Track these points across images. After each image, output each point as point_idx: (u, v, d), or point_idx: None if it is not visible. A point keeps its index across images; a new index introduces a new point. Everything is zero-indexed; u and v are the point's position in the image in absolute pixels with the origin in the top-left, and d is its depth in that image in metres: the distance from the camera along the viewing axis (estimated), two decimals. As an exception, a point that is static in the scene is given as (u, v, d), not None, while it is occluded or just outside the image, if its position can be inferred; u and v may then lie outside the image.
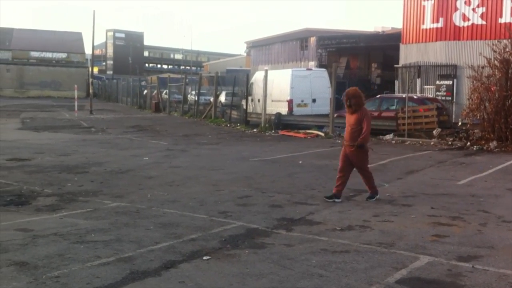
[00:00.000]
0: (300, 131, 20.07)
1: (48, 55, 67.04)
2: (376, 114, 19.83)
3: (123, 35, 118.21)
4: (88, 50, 71.48)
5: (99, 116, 30.98)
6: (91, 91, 36.82)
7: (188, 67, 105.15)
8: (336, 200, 8.30)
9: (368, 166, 8.68)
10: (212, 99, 29.41)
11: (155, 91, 39.38)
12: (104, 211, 7.59)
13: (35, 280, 4.76)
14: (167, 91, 36.46)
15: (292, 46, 46.02)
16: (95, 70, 75.43)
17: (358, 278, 4.94)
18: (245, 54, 77.13)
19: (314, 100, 22.48)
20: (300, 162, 12.83)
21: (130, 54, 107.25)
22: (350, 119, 8.41)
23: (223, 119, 26.07)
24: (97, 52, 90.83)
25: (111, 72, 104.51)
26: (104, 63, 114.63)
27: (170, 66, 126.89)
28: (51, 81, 63.30)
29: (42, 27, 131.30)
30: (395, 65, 26.82)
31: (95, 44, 40.27)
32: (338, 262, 5.37)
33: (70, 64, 67.03)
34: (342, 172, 8.45)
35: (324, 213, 7.63)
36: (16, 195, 8.62)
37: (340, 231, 6.61)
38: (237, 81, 26.32)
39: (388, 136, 18.11)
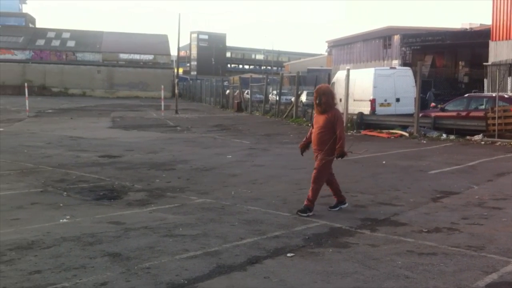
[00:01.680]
0: (383, 131, 19.70)
1: (136, 57, 69.74)
2: (464, 113, 19.14)
3: (206, 37, 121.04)
4: (173, 52, 73.73)
5: (184, 115, 31.87)
6: (176, 91, 37.91)
7: (269, 67, 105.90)
8: (342, 206, 7.71)
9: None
10: (293, 98, 29.47)
11: (237, 91, 40.00)
12: (191, 206, 7.83)
13: (127, 271, 5.00)
14: (249, 91, 36.91)
15: (374, 45, 45.23)
16: (180, 71, 77.60)
17: (446, 281, 4.82)
18: (326, 53, 76.64)
19: (398, 100, 21.97)
20: (384, 162, 12.61)
21: (213, 55, 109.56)
22: (318, 120, 7.50)
23: (304, 119, 26.06)
24: (182, 53, 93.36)
25: (195, 73, 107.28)
26: (188, 64, 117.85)
27: (251, 67, 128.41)
28: (138, 82, 65.80)
29: (130, 30, 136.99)
30: (484, 63, 25.72)
31: (179, 45, 41.43)
32: (425, 264, 5.26)
33: (156, 65, 69.38)
34: (327, 181, 7.68)
35: (410, 214, 7.47)
36: (108, 190, 9.07)
37: (426, 233, 6.46)
38: (318, 80, 26.21)
39: (477, 137, 17.40)
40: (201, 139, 18.46)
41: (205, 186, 9.55)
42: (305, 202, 7.36)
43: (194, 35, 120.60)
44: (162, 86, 39.65)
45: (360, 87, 22.20)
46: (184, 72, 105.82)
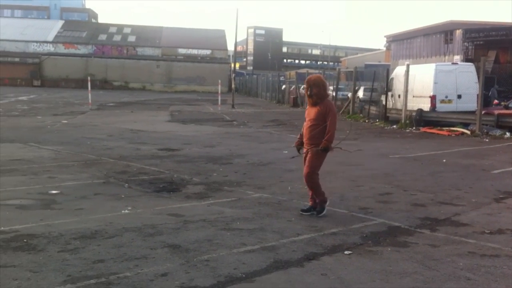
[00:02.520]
0: (444, 128, 19.20)
1: (194, 52, 70.71)
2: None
3: (263, 32, 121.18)
4: (230, 47, 74.35)
5: (240, 110, 32.10)
6: (233, 86, 38.26)
7: (326, 62, 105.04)
8: (315, 213, 7.07)
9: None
10: (350, 94, 29.14)
11: (293, 86, 39.90)
12: (248, 201, 7.90)
13: (186, 262, 5.10)
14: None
15: (435, 40, 44.08)
16: (237, 66, 78.16)
17: (510, 284, 4.67)
18: (384, 48, 75.28)
19: (459, 96, 21.35)
20: (444, 160, 12.30)
21: (269, 50, 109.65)
22: (310, 112, 7.05)
23: (361, 115, 25.74)
24: (239, 48, 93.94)
25: (251, 68, 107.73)
26: (244, 59, 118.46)
27: (307, 62, 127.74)
28: (196, 77, 66.72)
29: (188, 25, 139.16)
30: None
31: (236, 40, 41.77)
32: (487, 266, 5.11)
33: (213, 60, 70.12)
34: None
35: (472, 214, 7.27)
36: (168, 182, 9.26)
37: (489, 235, 6.27)
38: (376, 76, 25.80)
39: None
40: (257, 133, 18.55)
41: (262, 180, 9.60)
42: (316, 200, 7.04)
43: (251, 30, 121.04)
44: (219, 81, 40.06)
45: (420, 83, 21.70)
46: (241, 67, 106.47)
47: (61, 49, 66.94)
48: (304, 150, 7.12)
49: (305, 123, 7.14)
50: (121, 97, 44.63)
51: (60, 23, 75.14)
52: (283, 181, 9.56)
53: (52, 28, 71.71)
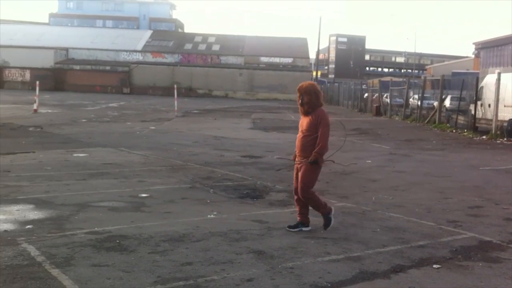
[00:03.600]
0: (538, 139, 18.19)
1: (276, 60, 71.19)
2: None
3: (345, 39, 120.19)
4: (312, 55, 74.30)
5: (322, 118, 31.86)
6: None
7: (410, 70, 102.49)
8: (304, 228, 6.58)
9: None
10: (436, 103, 28.27)
11: (376, 95, 39.23)
12: (331, 210, 7.84)
13: (271, 269, 5.14)
14: (388, 94, 36.05)
15: (529, 47, 41.91)
16: (318, 74, 77.88)
17: None
18: (472, 56, 72.45)
19: (555, 106, 20.15)
20: (539, 174, 11.66)
21: (351, 58, 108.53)
22: (303, 122, 6.59)
23: (448, 124, 24.89)
24: (320, 56, 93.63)
25: (333, 76, 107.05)
26: (326, 67, 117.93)
27: (391, 70, 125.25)
28: (277, 85, 67.12)
29: (270, 34, 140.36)
30: None
31: (319, 48, 41.71)
32: None
33: (295, 68, 70.29)
34: (296, 193, 6.72)
35: None
36: (251, 189, 9.38)
37: None
38: (465, 84, 24.88)
39: None
40: (339, 142, 18.34)
41: (345, 190, 9.51)
42: (323, 218, 6.62)
43: (333, 38, 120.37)
44: (301, 89, 39.99)
45: (512, 92, 20.69)
46: (322, 75, 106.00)
47: (149, 58, 69.56)
48: (296, 163, 6.64)
49: (298, 134, 6.68)
50: (205, 104, 45.69)
51: (149, 33, 78.14)
52: (366, 191, 9.42)
53: (141, 37, 74.70)
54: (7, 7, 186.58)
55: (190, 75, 66.70)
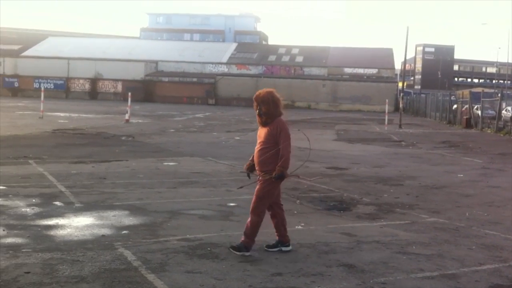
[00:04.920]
0: None
1: (360, 71, 70.38)
2: None
3: (432, 49, 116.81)
4: (397, 66, 72.76)
5: (408, 130, 31.14)
6: (401, 105, 37.22)
7: (503, 81, 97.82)
8: (284, 248, 6.07)
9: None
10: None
11: (466, 106, 37.73)
12: (422, 225, 7.61)
13: (363, 283, 5.05)
14: (479, 106, 34.56)
15: None
16: (404, 84, 76.09)
17: None
18: None
19: None
20: None
21: (439, 68, 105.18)
22: (261, 133, 6.03)
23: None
24: (406, 67, 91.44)
25: (419, 87, 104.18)
26: (412, 78, 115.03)
27: (481, 80, 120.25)
28: (361, 96, 66.25)
29: (355, 44, 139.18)
30: None
31: (406, 59, 40.76)
32: None
33: (379, 79, 69.12)
34: (270, 209, 6.17)
35: None
36: (338, 201, 9.29)
37: None
38: None
39: None
40: (427, 155, 17.83)
41: (436, 204, 9.19)
42: (242, 238, 5.94)
43: (420, 48, 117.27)
44: (387, 100, 39.29)
45: None
46: (408, 86, 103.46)
47: (234, 69, 70.92)
48: (258, 178, 6.08)
49: (256, 146, 6.10)
50: (288, 115, 45.47)
51: (234, 45, 79.72)
52: (459, 206, 9.06)
53: (227, 50, 76.33)
54: (101, 23, 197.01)
55: (273, 86, 65.96)
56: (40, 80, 64.34)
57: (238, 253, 5.81)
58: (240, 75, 69.52)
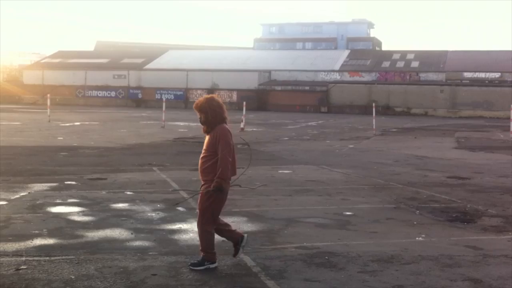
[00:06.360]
0: None
1: (481, 75, 66.68)
2: None
3: None
4: (523, 68, 67.98)
5: (536, 137, 28.98)
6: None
7: None
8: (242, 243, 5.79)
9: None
10: None
11: None
12: (557, 240, 7.05)
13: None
14: None
15: None
16: (530, 88, 70.97)
17: None
18: None
19: None
20: None
21: None
22: (205, 142, 5.74)
23: None
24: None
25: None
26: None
27: None
28: (483, 101, 62.73)
29: (475, 47, 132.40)
30: None
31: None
32: None
33: (503, 83, 65.06)
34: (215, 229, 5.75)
35: None
36: (460, 212, 8.86)
37: None
38: None
39: None
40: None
41: None
42: (203, 256, 5.66)
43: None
44: (511, 106, 36.87)
45: None
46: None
47: (346, 77, 70.19)
48: (200, 189, 5.76)
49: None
50: (403, 122, 44.52)
51: (346, 52, 78.95)
52: None
53: (339, 57, 75.78)
54: (217, 35, 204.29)
55: (387, 93, 65.69)
56: (161, 91, 67.81)
57: (197, 268, 5.57)
58: (353, 82, 68.65)
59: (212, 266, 5.61)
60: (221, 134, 5.56)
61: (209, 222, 5.62)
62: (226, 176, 5.48)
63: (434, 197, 10.16)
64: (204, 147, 5.72)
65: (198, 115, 5.72)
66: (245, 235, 5.90)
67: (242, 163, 14.66)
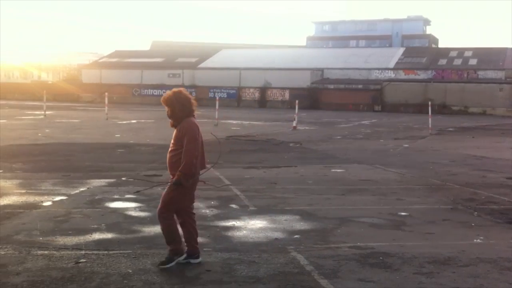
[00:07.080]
0: None
1: (544, 72, 64.09)
2: None
3: None
4: None
5: None
6: None
7: None
8: (192, 260, 5.64)
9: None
10: None
11: None
12: None
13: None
14: None
15: None
16: None
17: None
18: None
19: None
20: None
21: None
22: (173, 136, 5.66)
23: None
24: None
25: None
26: None
27: None
28: (545, 100, 60.34)
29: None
30: None
31: None
32: None
33: None
34: (179, 217, 5.71)
35: None
36: (521, 214, 8.56)
37: None
38: None
39: None
40: None
41: None
42: (171, 252, 5.60)
43: None
44: None
45: None
46: None
47: (401, 75, 68.90)
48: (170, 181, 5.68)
49: None
50: (460, 121, 43.33)
51: (401, 50, 77.50)
52: None
53: (394, 55, 74.45)
54: (269, 34, 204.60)
55: (443, 91, 64.08)
56: (214, 90, 68.52)
57: (168, 265, 5.51)
58: (408, 80, 67.29)
59: (181, 259, 5.60)
60: (187, 128, 5.52)
61: (170, 215, 5.60)
62: (188, 170, 5.44)
63: (493, 199, 9.86)
64: (172, 141, 5.67)
65: (166, 109, 5.67)
66: (200, 258, 5.74)
67: (294, 162, 14.71)
